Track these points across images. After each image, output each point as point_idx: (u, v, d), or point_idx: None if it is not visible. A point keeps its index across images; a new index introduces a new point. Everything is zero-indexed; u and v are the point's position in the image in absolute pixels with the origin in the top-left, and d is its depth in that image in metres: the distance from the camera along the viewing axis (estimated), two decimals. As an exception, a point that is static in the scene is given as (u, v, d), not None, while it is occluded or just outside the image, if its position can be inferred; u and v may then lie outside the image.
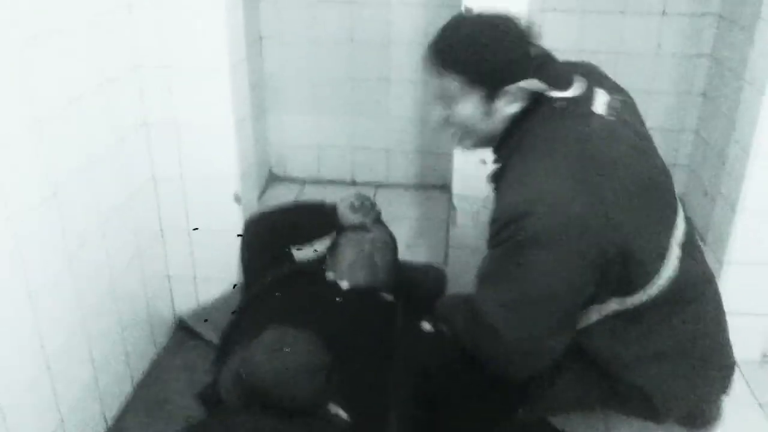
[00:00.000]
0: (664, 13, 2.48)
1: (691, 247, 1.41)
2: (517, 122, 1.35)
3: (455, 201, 2.03)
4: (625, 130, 1.34)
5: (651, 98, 2.60)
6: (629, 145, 1.32)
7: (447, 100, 1.36)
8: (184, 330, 2.10)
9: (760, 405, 1.90)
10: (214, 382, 1.62)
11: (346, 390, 1.45)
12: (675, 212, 1.39)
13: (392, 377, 1.62)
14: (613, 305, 1.34)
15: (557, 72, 1.35)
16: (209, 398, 1.66)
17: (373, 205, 1.99)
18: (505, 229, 1.26)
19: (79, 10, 1.53)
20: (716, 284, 1.50)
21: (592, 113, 1.32)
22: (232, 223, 2.00)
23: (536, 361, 1.37)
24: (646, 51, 2.54)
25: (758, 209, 1.87)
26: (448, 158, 2.01)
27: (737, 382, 1.93)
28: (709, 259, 2.02)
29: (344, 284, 1.79)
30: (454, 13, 1.85)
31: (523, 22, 1.34)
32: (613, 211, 1.24)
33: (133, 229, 1.84)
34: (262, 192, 2.78)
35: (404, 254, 2.03)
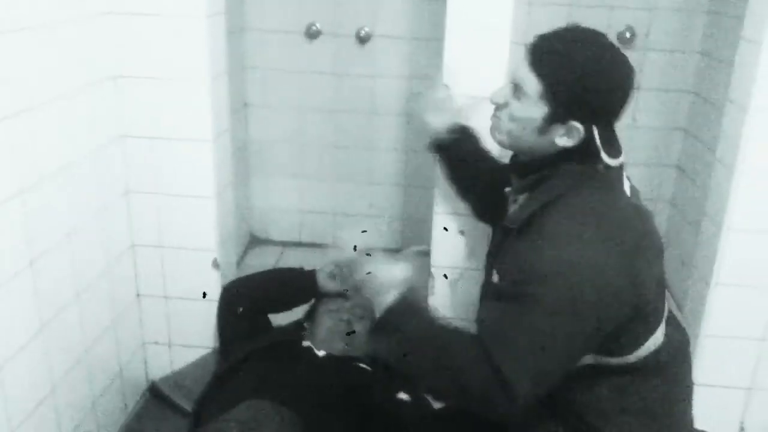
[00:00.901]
0: (638, 88, 2.56)
1: (672, 316, 1.44)
2: (556, 163, 1.33)
3: (432, 269, 2.04)
4: (642, 208, 1.37)
5: (627, 169, 2.65)
6: (648, 221, 1.35)
7: (518, 92, 1.32)
8: (156, 396, 2.06)
9: (739, 481, 1.89)
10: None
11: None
12: (666, 284, 1.43)
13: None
14: (589, 360, 1.33)
15: (615, 136, 1.35)
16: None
17: (352, 272, 1.99)
18: (531, 284, 1.22)
19: (67, 82, 1.56)
20: (688, 353, 1.50)
21: (624, 192, 1.35)
22: (210, 289, 1.99)
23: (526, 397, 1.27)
24: (622, 123, 2.61)
25: (732, 284, 1.89)
26: (429, 225, 2.03)
27: (716, 456, 1.93)
28: (687, 331, 2.05)
29: (321, 353, 1.77)
30: (435, 83, 1.91)
31: (634, 75, 1.31)
32: (642, 284, 1.26)
33: (110, 296, 1.83)
34: (243, 254, 2.77)
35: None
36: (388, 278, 1.35)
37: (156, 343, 2.07)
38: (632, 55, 2.43)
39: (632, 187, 1.40)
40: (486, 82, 1.92)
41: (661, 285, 1.39)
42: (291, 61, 2.64)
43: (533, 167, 1.37)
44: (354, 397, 1.67)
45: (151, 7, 1.74)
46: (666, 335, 1.38)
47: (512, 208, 1.43)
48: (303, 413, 1.48)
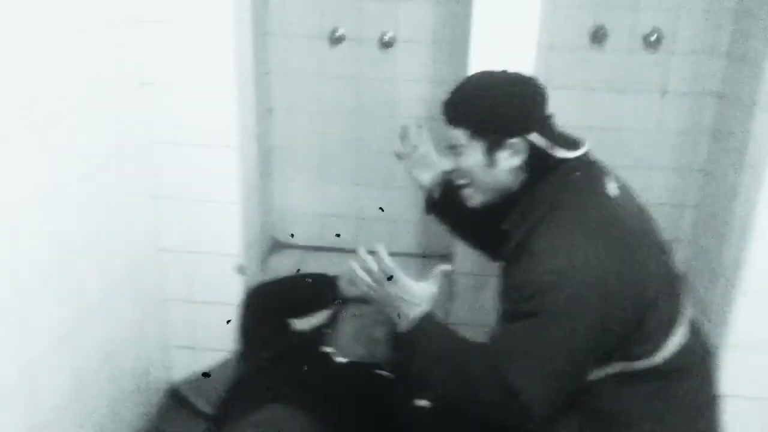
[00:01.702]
0: (665, 91, 2.53)
1: (695, 321, 1.43)
2: (529, 188, 1.39)
3: (453, 276, 2.03)
4: (635, 209, 1.41)
5: (652, 173, 2.63)
6: (643, 221, 1.40)
7: (455, 151, 1.42)
8: (177, 400, 2.08)
9: (765, 493, 1.86)
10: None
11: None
12: (684, 286, 1.42)
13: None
14: (618, 367, 1.34)
15: (563, 133, 1.41)
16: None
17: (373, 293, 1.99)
18: (534, 299, 1.26)
19: (95, 89, 1.58)
20: (713, 359, 1.49)
21: (604, 193, 1.37)
22: (235, 293, 2.01)
23: (543, 411, 1.30)
24: (647, 127, 2.59)
25: (759, 290, 1.86)
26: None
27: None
28: (712, 339, 2.02)
29: (341, 359, 1.78)
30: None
31: (537, 82, 1.42)
32: (640, 282, 1.29)
33: (135, 300, 1.86)
34: (265, 258, 2.79)
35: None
36: (417, 294, 1.40)
37: (180, 347, 2.09)
38: (658, 58, 2.46)
39: (622, 186, 1.42)
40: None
41: (672, 282, 1.38)
42: (314, 65, 2.65)
43: (512, 203, 1.41)
44: (373, 403, 1.68)
45: (179, 14, 1.77)
46: (689, 337, 1.37)
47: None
48: (322, 418, 1.48)
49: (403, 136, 1.76)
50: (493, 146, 1.37)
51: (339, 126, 2.73)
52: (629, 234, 1.32)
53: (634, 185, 2.59)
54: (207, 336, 2.07)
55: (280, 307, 1.97)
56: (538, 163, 1.37)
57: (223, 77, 1.81)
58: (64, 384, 1.55)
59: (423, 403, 1.81)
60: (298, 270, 2.64)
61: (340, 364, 1.77)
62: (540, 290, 1.26)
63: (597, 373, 1.35)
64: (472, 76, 1.47)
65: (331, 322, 1.93)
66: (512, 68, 1.80)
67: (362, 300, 1.92)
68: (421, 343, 1.37)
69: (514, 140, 1.35)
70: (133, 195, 1.80)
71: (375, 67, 2.62)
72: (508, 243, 1.40)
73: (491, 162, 1.38)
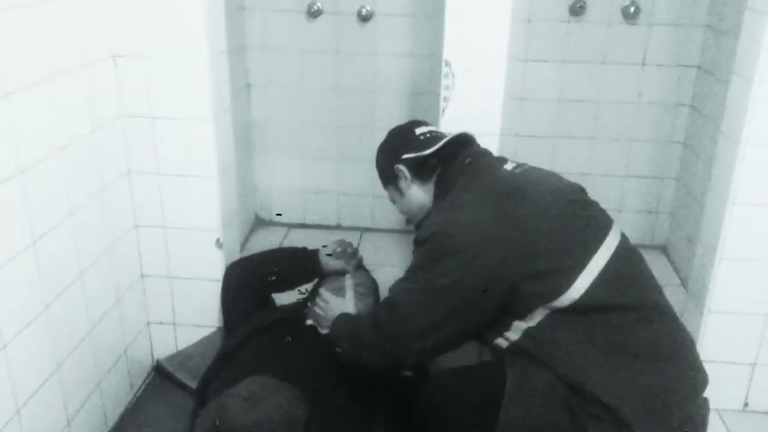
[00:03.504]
0: (644, 63, 2.54)
1: (615, 278, 1.44)
2: (437, 189, 1.66)
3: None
4: (531, 175, 1.58)
5: (633, 145, 2.64)
6: (546, 181, 1.58)
7: (394, 203, 1.82)
8: (162, 375, 2.08)
9: (743, 455, 1.89)
10: (191, 429, 1.60)
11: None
12: (595, 244, 1.46)
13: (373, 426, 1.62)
14: (540, 312, 1.42)
15: (435, 136, 1.71)
16: (185, 447, 1.63)
17: (355, 251, 2.00)
18: (424, 245, 1.48)
19: (66, 62, 1.55)
20: (664, 308, 1.50)
21: (499, 167, 1.60)
22: (214, 268, 2.00)
23: (408, 351, 1.49)
24: (627, 99, 2.59)
25: (737, 258, 1.88)
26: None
27: (718, 431, 1.94)
28: (691, 307, 2.04)
29: (323, 331, 1.78)
30: (436, 63, 1.91)
31: (403, 125, 1.82)
32: (520, 228, 1.42)
33: (113, 275, 1.84)
34: (248, 236, 2.78)
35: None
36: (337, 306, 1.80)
37: (161, 323, 2.08)
38: (637, 30, 2.46)
39: (521, 165, 1.62)
40: (487, 58, 1.92)
41: (575, 232, 1.47)
42: (292, 40, 2.62)
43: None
44: (357, 373, 1.68)
45: (149, -15, 1.73)
46: (601, 288, 1.41)
47: None
48: (306, 390, 1.48)
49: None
50: (391, 182, 1.75)
51: (319, 101, 2.71)
52: (515, 194, 1.49)
53: (615, 158, 2.65)
54: (188, 311, 2.06)
55: (261, 282, 1.96)
56: (424, 170, 1.68)
57: (195, 49, 1.78)
58: (45, 358, 1.54)
59: (408, 373, 1.82)
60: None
61: (323, 336, 1.77)
62: (431, 236, 1.47)
63: (525, 324, 1.43)
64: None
65: (313, 295, 1.93)
66: (485, 42, 1.89)
67: (343, 273, 1.94)
68: (336, 331, 1.65)
69: (395, 169, 1.71)
70: (106, 169, 1.78)
71: (354, 41, 2.60)
72: None
73: (401, 192, 1.74)
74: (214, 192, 1.92)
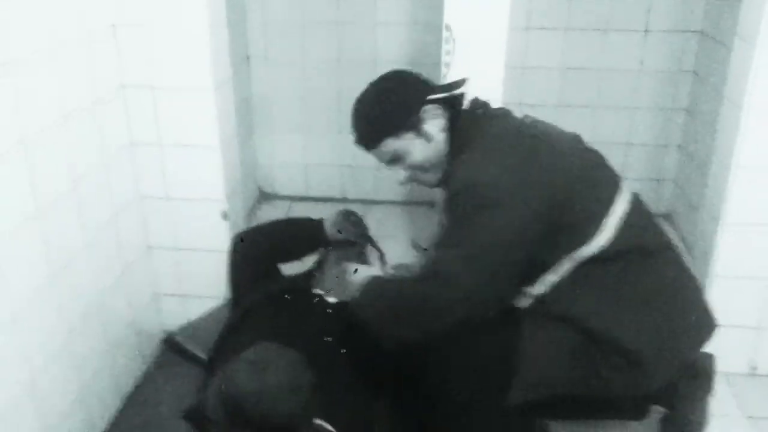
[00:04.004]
0: (646, 30, 2.52)
1: (636, 221, 1.49)
2: (452, 138, 1.57)
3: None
4: (540, 125, 1.57)
5: (635, 113, 2.63)
6: (554, 130, 1.56)
7: (397, 160, 1.60)
8: (172, 346, 2.10)
9: (748, 418, 1.91)
10: (201, 399, 1.62)
11: (332, 406, 1.45)
12: (614, 191, 1.50)
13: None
14: (568, 263, 1.44)
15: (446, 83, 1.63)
16: (196, 416, 1.65)
17: (360, 220, 2.01)
18: (457, 199, 1.44)
19: (65, 32, 1.55)
20: (677, 252, 1.57)
21: (511, 115, 1.57)
22: (220, 240, 2.00)
23: (487, 304, 1.46)
24: (630, 67, 2.58)
25: (741, 222, 1.89)
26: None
27: (724, 395, 1.95)
28: (696, 273, 2.04)
29: (331, 299, 1.79)
30: (437, 32, 1.90)
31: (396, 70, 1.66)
32: (550, 173, 1.42)
33: (119, 247, 1.85)
34: (252, 210, 2.79)
35: (392, 270, 2.04)
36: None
37: (169, 294, 2.09)
38: None
39: (526, 115, 1.59)
40: (488, 23, 1.91)
41: (593, 177, 1.50)
42: (292, 12, 2.60)
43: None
44: (363, 341, 1.69)
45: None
46: (621, 235, 1.44)
47: None
48: (313, 357, 1.50)
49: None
50: (417, 125, 1.55)
51: (319, 73, 2.69)
52: (535, 140, 1.48)
53: (618, 126, 2.64)
54: (196, 283, 2.07)
55: (268, 252, 1.97)
56: (452, 111, 1.57)
57: (194, 18, 1.77)
58: (55, 328, 1.55)
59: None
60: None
61: (329, 305, 1.78)
62: (462, 189, 1.43)
63: (552, 277, 1.45)
64: (357, 100, 1.66)
65: (319, 265, 1.94)
66: (486, 6, 1.87)
67: (348, 242, 1.94)
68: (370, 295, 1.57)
69: (424, 108, 1.54)
70: (109, 141, 1.78)
71: (355, 11, 2.58)
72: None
73: (428, 136, 1.56)
74: (217, 163, 1.92)
